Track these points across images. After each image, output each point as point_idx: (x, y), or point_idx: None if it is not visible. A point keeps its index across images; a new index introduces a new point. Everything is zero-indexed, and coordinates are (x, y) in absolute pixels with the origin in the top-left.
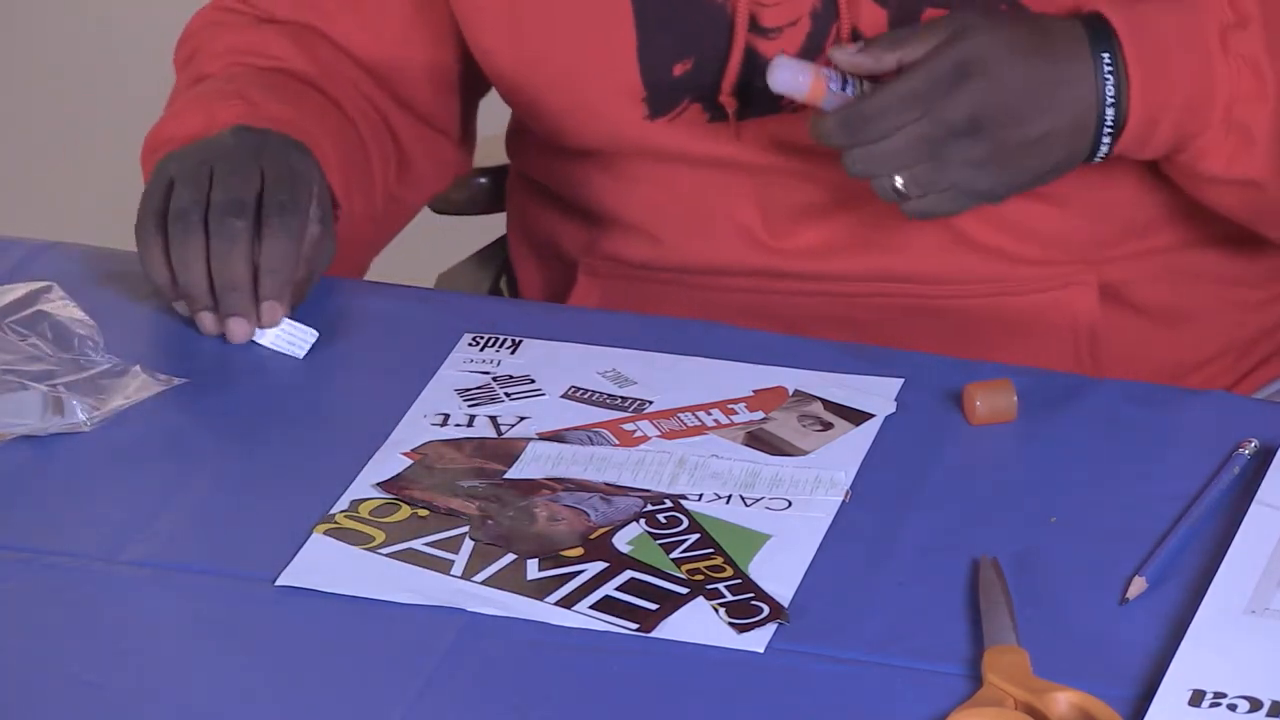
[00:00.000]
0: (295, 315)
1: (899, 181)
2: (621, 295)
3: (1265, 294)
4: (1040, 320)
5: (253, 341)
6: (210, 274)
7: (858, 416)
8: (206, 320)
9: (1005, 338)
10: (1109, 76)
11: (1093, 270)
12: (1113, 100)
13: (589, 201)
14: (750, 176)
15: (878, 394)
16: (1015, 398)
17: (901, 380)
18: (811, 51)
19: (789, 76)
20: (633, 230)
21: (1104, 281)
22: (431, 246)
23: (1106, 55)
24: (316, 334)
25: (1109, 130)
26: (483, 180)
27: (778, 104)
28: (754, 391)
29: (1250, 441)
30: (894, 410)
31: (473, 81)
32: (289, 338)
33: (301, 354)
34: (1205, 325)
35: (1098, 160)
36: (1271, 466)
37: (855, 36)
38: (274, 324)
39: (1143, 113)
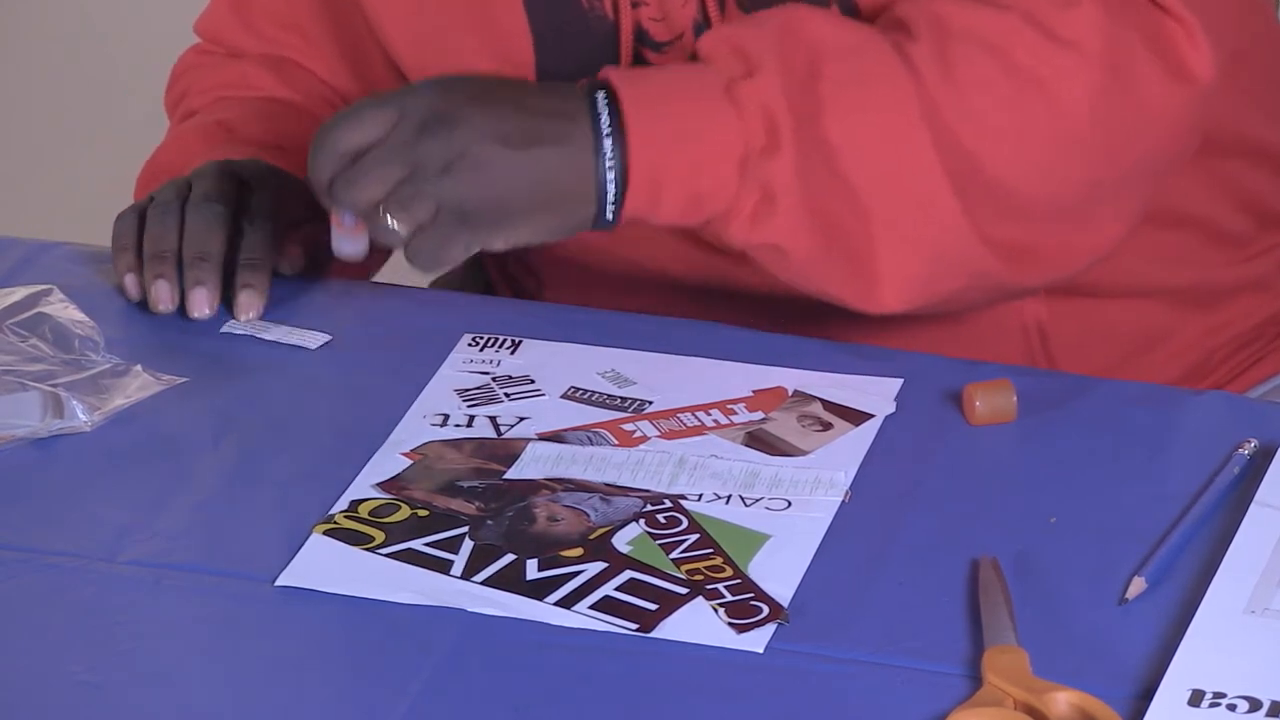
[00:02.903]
0: (305, 318)
1: (390, 220)
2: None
3: (1225, 255)
4: (986, 319)
5: (260, 338)
6: (181, 246)
7: (857, 416)
8: (162, 289)
9: (952, 340)
10: (607, 132)
11: None
12: (612, 160)
13: None
14: None
15: (877, 394)
16: (1015, 398)
17: (901, 380)
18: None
19: (350, 246)
20: (571, 243)
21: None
22: None
23: (602, 93)
24: (329, 336)
25: (612, 182)
26: None
27: None
28: (754, 392)
29: (1250, 441)
30: (894, 410)
31: None
32: (298, 335)
33: (314, 345)
34: (1154, 293)
35: (609, 220)
36: (1271, 466)
37: None
38: (250, 315)
39: (641, 164)
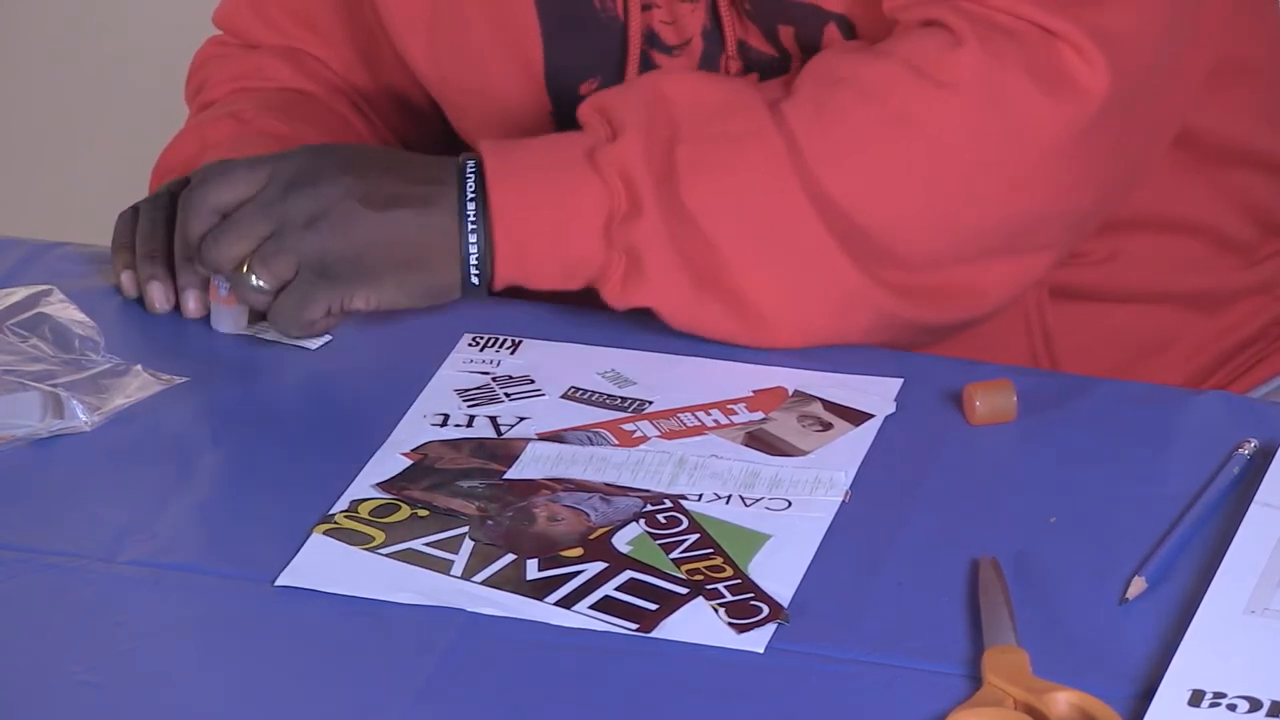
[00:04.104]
0: None
1: (254, 278)
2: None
3: (1231, 261)
4: (989, 322)
5: (261, 337)
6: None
7: (857, 416)
8: (155, 291)
9: (954, 342)
10: (471, 196)
11: None
12: (475, 225)
13: None
14: None
15: (878, 394)
16: (1015, 398)
17: (901, 380)
18: (708, 69)
19: (227, 320)
20: None
21: (1052, 283)
22: None
23: (471, 163)
24: (329, 336)
25: (474, 245)
26: None
27: None
28: (754, 392)
29: (1250, 441)
30: (894, 410)
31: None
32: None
33: (314, 345)
34: (1161, 298)
35: (475, 284)
36: (1271, 466)
37: (743, 53)
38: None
39: (505, 230)
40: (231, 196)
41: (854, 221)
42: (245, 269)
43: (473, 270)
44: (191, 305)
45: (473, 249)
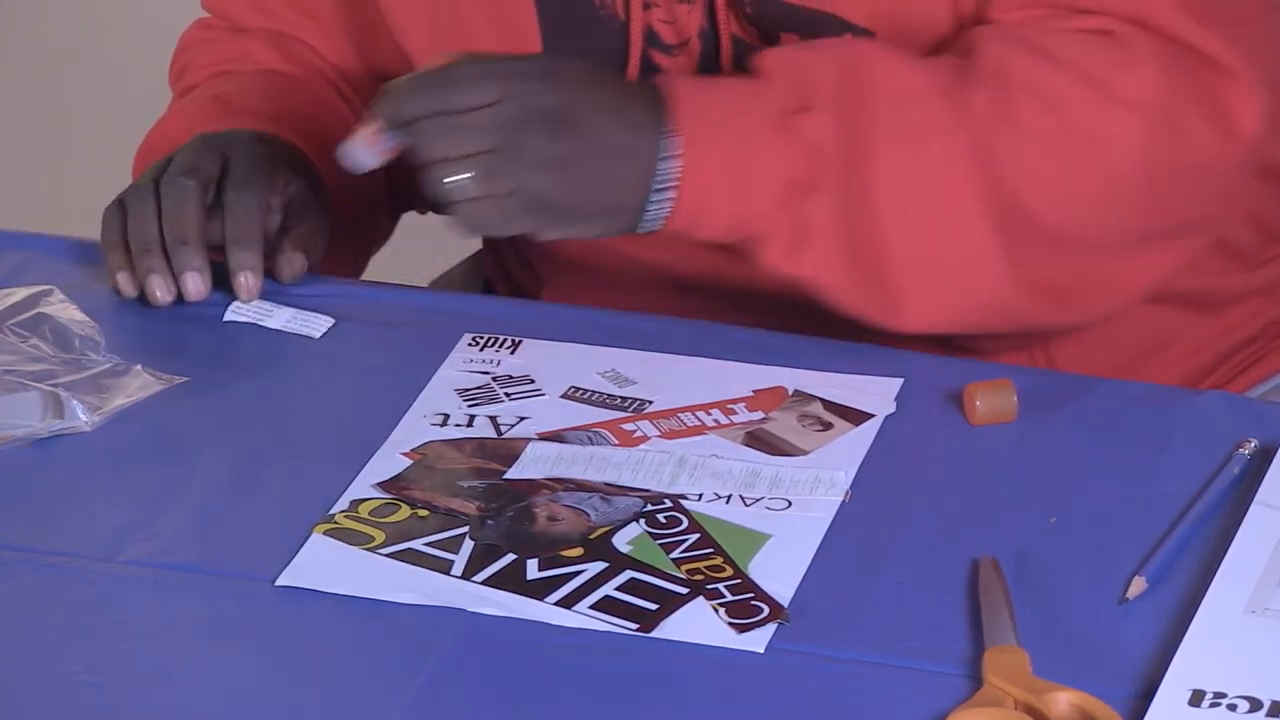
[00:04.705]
0: (303, 305)
1: (465, 177)
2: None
3: (1232, 265)
4: None
5: (264, 326)
6: (163, 233)
7: (858, 416)
8: (155, 283)
9: (955, 336)
10: (670, 154)
11: None
12: (664, 182)
13: None
14: None
15: (878, 394)
16: (1015, 398)
17: (901, 380)
18: (707, 71)
19: (361, 156)
20: (573, 241)
21: None
22: (428, 248)
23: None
24: (332, 320)
25: (663, 203)
26: None
27: None
28: (754, 391)
29: (1250, 441)
30: (894, 410)
31: None
32: (301, 320)
33: (318, 334)
34: (1160, 298)
35: (645, 227)
36: (1271, 466)
37: (738, 54)
38: (251, 297)
39: (691, 187)
40: (470, 103)
41: (1025, 208)
42: (454, 166)
43: (645, 222)
44: (191, 287)
45: (657, 208)
